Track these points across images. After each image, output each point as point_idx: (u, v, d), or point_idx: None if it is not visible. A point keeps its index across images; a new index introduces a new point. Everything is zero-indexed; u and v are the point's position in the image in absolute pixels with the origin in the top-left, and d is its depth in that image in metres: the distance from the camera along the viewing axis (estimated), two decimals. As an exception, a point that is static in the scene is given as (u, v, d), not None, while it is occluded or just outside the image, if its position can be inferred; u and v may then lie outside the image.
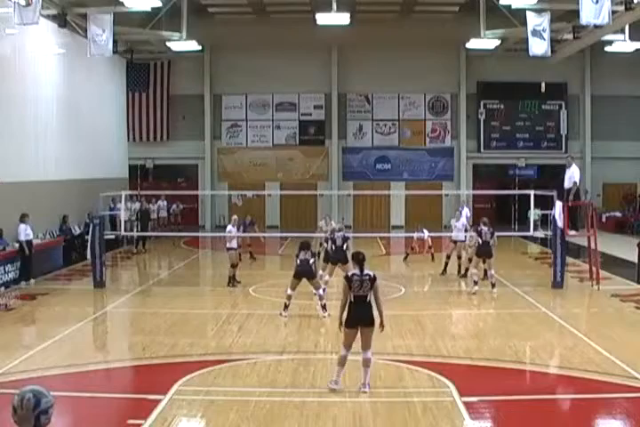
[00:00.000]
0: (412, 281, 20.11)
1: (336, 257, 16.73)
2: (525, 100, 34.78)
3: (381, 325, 9.74)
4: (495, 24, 25.62)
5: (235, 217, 19.24)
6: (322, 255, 18.56)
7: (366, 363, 9.75)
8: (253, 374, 10.74)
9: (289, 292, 14.72)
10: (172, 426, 8.59)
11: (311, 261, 14.81)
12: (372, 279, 9.73)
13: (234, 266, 18.57)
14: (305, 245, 14.95)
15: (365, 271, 9.79)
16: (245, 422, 8.75)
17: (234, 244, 18.60)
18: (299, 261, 14.75)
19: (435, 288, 19.10)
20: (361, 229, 32.34)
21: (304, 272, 14.71)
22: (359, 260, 9.91)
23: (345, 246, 16.80)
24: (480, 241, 17.52)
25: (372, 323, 9.66)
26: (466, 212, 21.62)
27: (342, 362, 9.76)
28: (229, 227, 18.69)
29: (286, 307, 14.67)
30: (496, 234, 17.84)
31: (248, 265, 22.11)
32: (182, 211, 33.10)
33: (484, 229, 17.52)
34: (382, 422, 8.78)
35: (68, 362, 11.36)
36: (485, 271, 17.92)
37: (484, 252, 17.36)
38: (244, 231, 21.15)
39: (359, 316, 9.69)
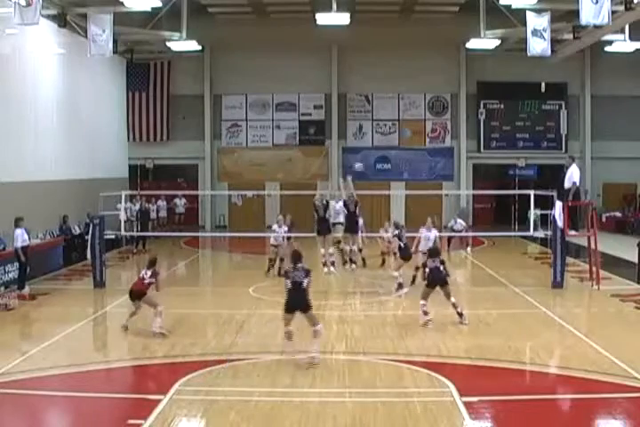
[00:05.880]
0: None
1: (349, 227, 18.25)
2: (525, 100, 34.75)
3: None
4: (495, 24, 25.63)
5: (280, 217, 20.84)
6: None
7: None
8: (253, 374, 10.75)
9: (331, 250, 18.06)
10: (171, 426, 8.60)
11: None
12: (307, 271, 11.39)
13: (281, 260, 19.51)
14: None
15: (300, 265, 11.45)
16: (245, 422, 8.76)
17: (278, 241, 20.02)
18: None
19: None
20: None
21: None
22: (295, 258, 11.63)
23: (357, 212, 18.18)
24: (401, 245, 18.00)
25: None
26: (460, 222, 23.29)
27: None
28: (275, 226, 20.37)
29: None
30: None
31: (247, 265, 22.08)
32: (185, 207, 32.82)
33: (396, 232, 18.25)
34: (382, 422, 8.79)
35: (67, 362, 11.36)
36: None
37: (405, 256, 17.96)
38: (289, 232, 20.93)
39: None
